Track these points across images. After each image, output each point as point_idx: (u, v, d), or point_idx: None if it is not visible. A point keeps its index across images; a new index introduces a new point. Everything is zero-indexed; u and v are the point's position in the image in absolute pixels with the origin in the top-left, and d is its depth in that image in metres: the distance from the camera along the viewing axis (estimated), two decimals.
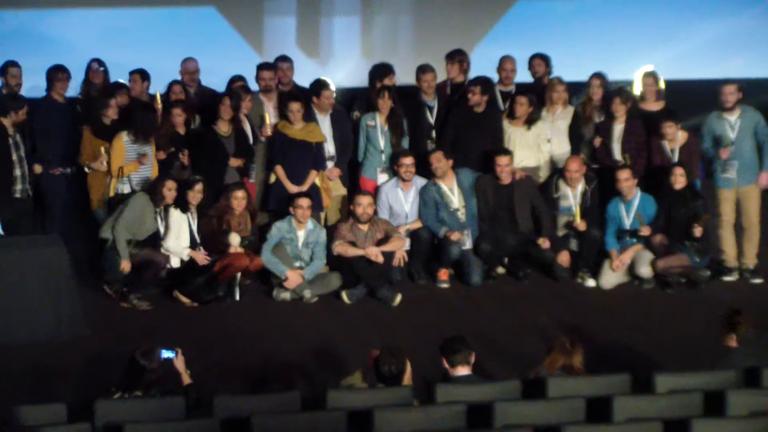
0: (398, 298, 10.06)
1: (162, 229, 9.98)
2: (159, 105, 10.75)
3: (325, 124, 10.88)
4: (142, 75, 11.14)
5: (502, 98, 11.28)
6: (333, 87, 10.98)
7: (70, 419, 6.56)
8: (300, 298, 10.13)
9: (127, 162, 10.26)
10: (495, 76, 11.34)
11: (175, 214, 10.05)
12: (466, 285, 10.50)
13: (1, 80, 10.77)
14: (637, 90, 11.25)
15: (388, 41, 13.57)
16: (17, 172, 10.05)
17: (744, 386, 7.00)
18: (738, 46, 13.76)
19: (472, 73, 11.34)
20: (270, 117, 10.83)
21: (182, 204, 10.05)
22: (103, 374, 7.96)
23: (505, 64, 11.38)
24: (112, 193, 10.28)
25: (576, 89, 11.26)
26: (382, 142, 10.92)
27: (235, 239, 10.09)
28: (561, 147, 11.00)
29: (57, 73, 10.63)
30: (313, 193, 10.53)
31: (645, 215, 10.42)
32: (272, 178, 10.78)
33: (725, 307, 7.68)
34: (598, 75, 11.08)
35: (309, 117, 10.78)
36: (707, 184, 10.80)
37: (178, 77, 11.25)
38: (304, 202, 10.21)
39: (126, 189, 10.26)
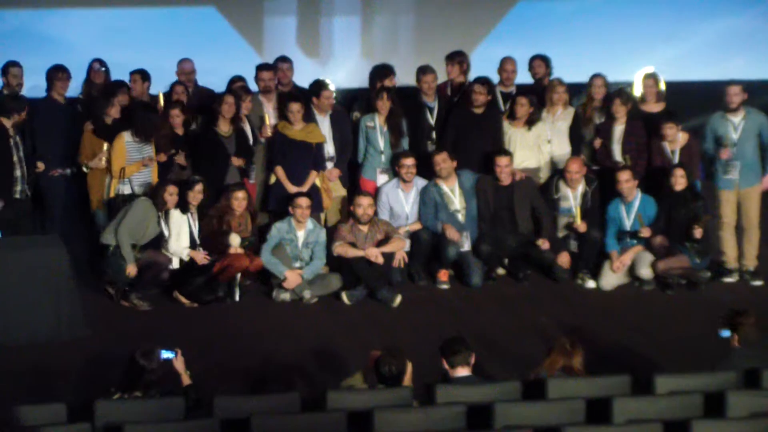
0: (398, 299, 10.05)
1: (165, 233, 9.98)
2: (161, 106, 10.74)
3: (324, 124, 10.87)
4: (143, 75, 11.11)
5: (503, 99, 11.27)
6: (333, 87, 10.97)
7: (70, 419, 6.55)
8: (300, 299, 10.12)
9: (128, 163, 10.25)
10: (495, 77, 11.33)
11: (175, 215, 10.05)
12: (466, 286, 10.49)
13: (2, 80, 10.76)
14: (637, 91, 11.25)
15: (388, 41, 13.56)
16: (17, 172, 10.04)
17: (744, 387, 7.00)
18: (738, 47, 13.74)
19: (473, 74, 11.33)
20: (270, 118, 10.82)
21: (182, 204, 10.04)
22: (103, 374, 7.96)
23: (505, 65, 11.38)
24: (112, 194, 10.25)
25: (576, 90, 11.26)
26: (381, 143, 10.91)
27: (235, 240, 10.08)
28: (561, 148, 11.00)
29: (57, 73, 10.62)
30: (314, 194, 10.52)
31: (645, 216, 10.41)
32: (272, 179, 10.76)
33: (726, 308, 7.67)
34: (600, 75, 11.09)
35: (309, 117, 10.76)
36: (707, 186, 10.80)
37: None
38: (303, 201, 10.20)
39: (126, 190, 10.23)
